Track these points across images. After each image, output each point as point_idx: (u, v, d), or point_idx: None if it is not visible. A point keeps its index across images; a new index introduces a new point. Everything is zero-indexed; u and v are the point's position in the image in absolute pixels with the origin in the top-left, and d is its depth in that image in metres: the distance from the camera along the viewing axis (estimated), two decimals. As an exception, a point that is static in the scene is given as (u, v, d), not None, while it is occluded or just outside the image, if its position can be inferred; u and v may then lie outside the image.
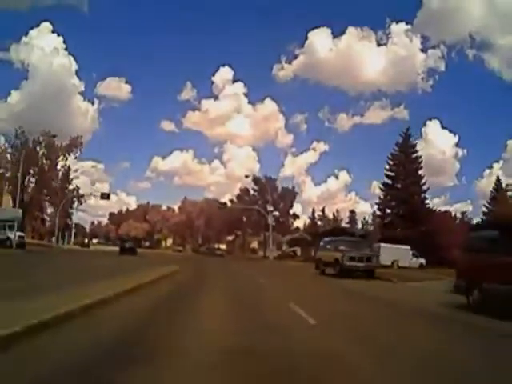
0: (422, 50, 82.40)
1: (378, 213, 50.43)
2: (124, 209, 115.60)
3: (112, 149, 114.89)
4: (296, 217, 68.44)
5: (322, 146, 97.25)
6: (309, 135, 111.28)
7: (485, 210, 53.47)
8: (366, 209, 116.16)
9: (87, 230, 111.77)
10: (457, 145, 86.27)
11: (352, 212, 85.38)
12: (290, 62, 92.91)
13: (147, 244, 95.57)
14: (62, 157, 45.99)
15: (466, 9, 75.16)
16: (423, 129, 77.30)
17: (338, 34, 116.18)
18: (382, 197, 48.18)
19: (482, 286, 8.18)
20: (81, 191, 52.53)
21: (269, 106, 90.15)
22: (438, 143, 76.53)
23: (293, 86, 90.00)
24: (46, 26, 70.14)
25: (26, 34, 74.05)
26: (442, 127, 77.47)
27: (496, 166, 79.33)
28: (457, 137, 78.90)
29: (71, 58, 74.08)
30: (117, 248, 55.37)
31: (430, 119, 78.32)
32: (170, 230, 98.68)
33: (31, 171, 43.71)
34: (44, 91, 71.07)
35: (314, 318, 6.78)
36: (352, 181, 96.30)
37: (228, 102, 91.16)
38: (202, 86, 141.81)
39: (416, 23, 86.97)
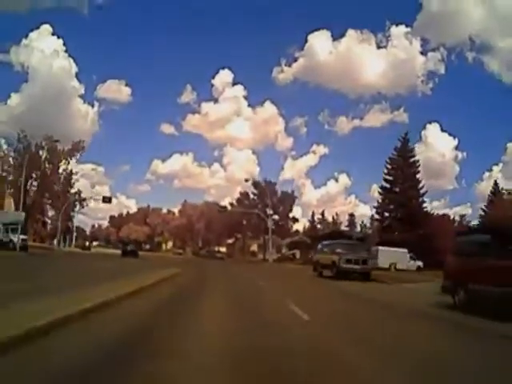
0: (421, 53, 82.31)
1: (377, 216, 50.92)
2: (124, 212, 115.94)
3: (112, 152, 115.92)
4: (295, 220, 68.98)
5: (322, 149, 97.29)
6: (309, 138, 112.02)
7: (483, 213, 53.97)
8: (365, 211, 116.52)
9: (87, 233, 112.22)
10: (456, 148, 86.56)
11: (351, 215, 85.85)
12: (289, 65, 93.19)
13: (147, 247, 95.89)
14: (64, 161, 46.47)
15: (465, 11, 75.45)
16: (423, 132, 77.80)
17: (337, 36, 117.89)
18: (380, 200, 48.75)
19: (468, 287, 8.67)
20: (82, 195, 53.18)
21: (269, 109, 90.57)
22: (437, 146, 76.93)
23: (293, 89, 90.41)
24: (46, 28, 70.24)
25: (26, 36, 74.73)
26: (442, 130, 77.47)
27: (496, 168, 79.15)
28: (456, 140, 79.20)
29: (71, 61, 74.03)
30: (117, 251, 55.97)
31: (430, 122, 77.90)
32: (171, 233, 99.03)
33: (33, 175, 44.13)
34: (44, 94, 71.37)
35: (309, 316, 7.29)
36: (352, 184, 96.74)
37: (228, 104, 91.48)
38: (202, 89, 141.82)
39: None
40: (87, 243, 77.54)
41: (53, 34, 71.04)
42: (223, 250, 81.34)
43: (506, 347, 5.70)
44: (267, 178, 66.47)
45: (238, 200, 68.04)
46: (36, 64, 72.07)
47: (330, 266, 20.07)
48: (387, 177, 47.98)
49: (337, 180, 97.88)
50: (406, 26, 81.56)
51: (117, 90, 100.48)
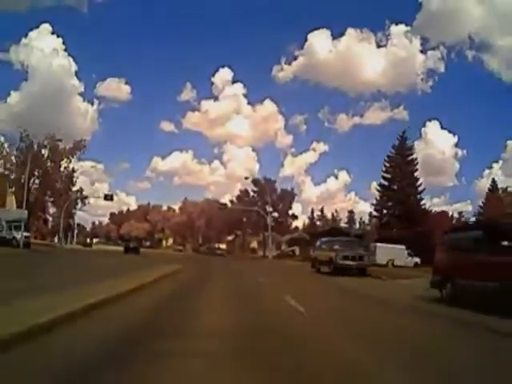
0: (421, 52, 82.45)
1: (375, 213, 51.39)
2: (123, 209, 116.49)
3: (112, 149, 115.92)
4: (295, 217, 69.49)
5: (322, 147, 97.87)
6: (308, 136, 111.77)
7: (481, 210, 54.47)
8: (365, 208, 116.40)
9: (87, 230, 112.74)
10: (456, 145, 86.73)
11: (350, 212, 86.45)
12: (289, 63, 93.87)
13: (148, 244, 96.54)
14: (65, 159, 46.93)
15: (465, 10, 75.88)
16: (423, 129, 78.17)
17: (337, 35, 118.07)
18: (378, 198, 49.21)
19: (455, 281, 9.16)
20: (83, 192, 53.72)
21: (268, 106, 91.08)
22: (437, 143, 77.40)
23: (292, 87, 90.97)
24: (46, 27, 70.64)
25: (26, 35, 74.70)
26: (442, 128, 78.00)
27: (496, 166, 79.69)
28: (456, 137, 79.44)
29: (71, 59, 74.39)
30: (118, 247, 56.61)
31: (430, 120, 78.73)
32: (171, 229, 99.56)
33: (36, 173, 44.57)
34: (44, 92, 71.69)
35: (305, 308, 7.91)
36: (352, 181, 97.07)
37: (228, 102, 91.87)
38: (202, 87, 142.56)
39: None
40: (88, 240, 78.24)
41: (52, 33, 71.67)
42: (223, 246, 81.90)
43: (487, 338, 6.17)
44: (267, 176, 67.11)
45: (238, 197, 68.56)
46: (36, 63, 72.68)
47: (328, 262, 20.59)
48: (385, 174, 48.46)
49: (337, 177, 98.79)
50: (406, 24, 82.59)
51: (116, 88, 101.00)
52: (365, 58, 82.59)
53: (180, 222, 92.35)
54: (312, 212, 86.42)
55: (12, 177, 45.91)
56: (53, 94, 72.73)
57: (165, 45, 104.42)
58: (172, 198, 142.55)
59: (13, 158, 45.26)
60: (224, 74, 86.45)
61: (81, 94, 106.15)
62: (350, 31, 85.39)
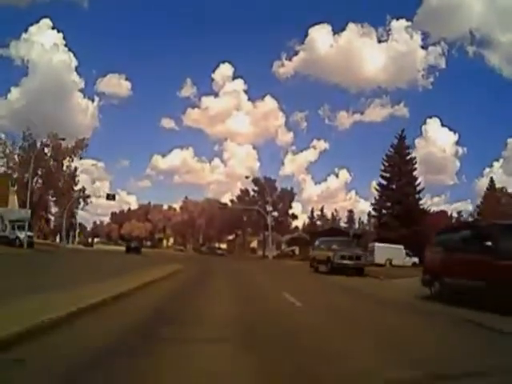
0: (422, 47, 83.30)
1: (374, 213, 51.80)
2: (124, 208, 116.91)
3: (112, 146, 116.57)
4: (295, 217, 69.91)
5: (322, 144, 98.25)
6: (309, 133, 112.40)
7: (478, 210, 54.89)
8: (365, 207, 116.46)
9: (88, 230, 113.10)
10: (457, 143, 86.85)
11: (350, 211, 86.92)
12: (290, 59, 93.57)
13: (149, 243, 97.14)
14: (68, 158, 47.32)
15: (466, 5, 76.27)
16: (423, 127, 78.65)
17: (338, 30, 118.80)
18: (377, 197, 49.60)
19: (442, 280, 9.65)
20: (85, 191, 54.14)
21: (269, 103, 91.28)
22: (438, 141, 77.86)
23: (293, 83, 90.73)
24: (46, 22, 70.78)
25: (26, 30, 76.84)
26: (442, 125, 78.31)
27: (496, 164, 80.00)
28: (457, 135, 79.73)
29: (71, 55, 74.75)
30: (119, 247, 57.10)
31: (430, 117, 78.68)
32: (172, 229, 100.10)
33: (38, 172, 44.91)
34: (44, 88, 71.94)
35: (302, 303, 8.54)
36: (352, 179, 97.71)
37: (228, 99, 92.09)
38: (202, 83, 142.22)
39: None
40: (90, 240, 78.70)
41: (53, 28, 71.81)
42: (224, 246, 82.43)
43: (463, 328, 6.75)
44: (267, 174, 67.67)
45: (239, 197, 69.01)
46: (36, 58, 72.89)
47: (326, 261, 21.08)
48: (384, 174, 48.82)
49: (337, 176, 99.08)
50: (407, 19, 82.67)
51: (117, 84, 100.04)
52: (366, 53, 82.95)
53: (181, 222, 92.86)
54: (312, 211, 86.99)
55: (14, 176, 46.28)
56: (53, 90, 72.99)
57: (165, 40, 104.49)
58: (172, 197, 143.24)
59: (16, 157, 45.62)
60: (224, 70, 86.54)
61: (81, 90, 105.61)
62: (351, 26, 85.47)
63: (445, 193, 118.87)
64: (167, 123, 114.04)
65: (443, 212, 62.67)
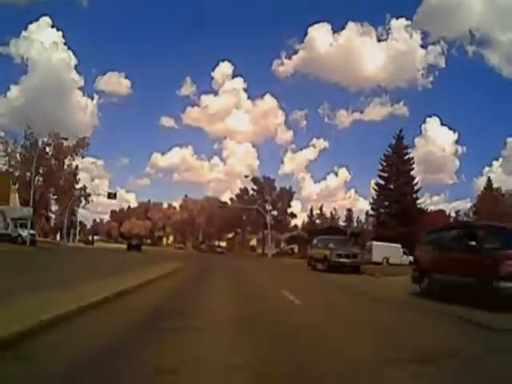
0: (422, 46, 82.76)
1: (372, 212, 52.36)
2: (123, 206, 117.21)
3: (111, 145, 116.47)
4: (294, 216, 70.39)
5: (322, 143, 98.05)
6: (308, 132, 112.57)
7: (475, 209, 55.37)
8: (365, 206, 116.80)
9: (88, 227, 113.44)
10: (456, 142, 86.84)
11: (349, 210, 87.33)
12: (289, 58, 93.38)
13: (149, 241, 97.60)
14: (69, 157, 47.76)
15: (466, 5, 76.29)
16: (423, 125, 79.03)
17: (338, 29, 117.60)
18: (375, 196, 50.16)
19: (431, 277, 10.13)
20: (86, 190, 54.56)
21: (268, 101, 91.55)
22: (437, 140, 78.09)
23: (293, 82, 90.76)
24: (46, 20, 70.84)
25: (26, 28, 75.55)
26: (442, 124, 78.27)
27: (496, 163, 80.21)
28: (456, 134, 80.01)
29: (70, 53, 74.63)
30: (119, 245, 57.62)
31: (430, 116, 78.84)
32: (172, 227, 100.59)
33: (40, 171, 45.30)
34: (43, 86, 72.05)
35: (300, 300, 8.94)
36: (352, 178, 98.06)
37: (228, 97, 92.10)
38: (202, 82, 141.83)
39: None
40: (90, 238, 79.12)
41: (52, 26, 72.02)
42: (223, 244, 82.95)
43: (444, 320, 7.33)
44: (266, 173, 68.16)
45: (238, 196, 69.50)
46: (35, 56, 72.90)
47: (323, 260, 21.57)
48: (382, 173, 49.39)
49: (336, 174, 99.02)
50: (407, 18, 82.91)
51: (116, 83, 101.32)
52: (365, 52, 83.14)
53: (180, 220, 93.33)
54: (311, 210, 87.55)
55: (16, 174, 46.68)
56: (52, 88, 73.16)
57: (165, 39, 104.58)
58: (172, 195, 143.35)
59: (17, 155, 46.00)
60: (224, 68, 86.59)
61: (80, 89, 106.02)
62: (351, 25, 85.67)
63: (444, 192, 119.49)
64: (167, 121, 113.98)
65: (441, 211, 63.26)
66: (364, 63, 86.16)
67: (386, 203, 48.59)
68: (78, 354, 3.95)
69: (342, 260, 20.55)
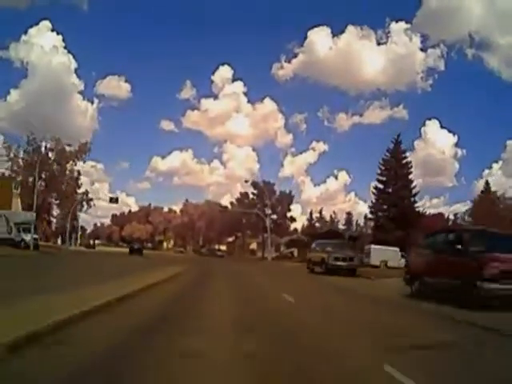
0: (421, 50, 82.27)
1: (370, 216, 52.81)
2: (124, 210, 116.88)
3: (111, 148, 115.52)
4: (293, 219, 70.77)
5: (322, 146, 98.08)
6: (308, 135, 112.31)
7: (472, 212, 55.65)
8: (364, 209, 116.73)
9: (89, 232, 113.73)
10: (456, 145, 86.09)
11: (348, 214, 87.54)
12: (289, 61, 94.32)
13: (149, 245, 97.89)
14: (71, 162, 48.23)
15: (465, 8, 75.94)
16: (422, 128, 78.77)
17: (337, 32, 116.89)
18: (374, 200, 50.58)
19: (422, 279, 10.62)
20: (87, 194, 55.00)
21: (268, 105, 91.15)
22: (437, 143, 77.75)
23: (292, 86, 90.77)
24: (46, 24, 70.63)
25: (26, 32, 74.60)
26: (441, 127, 77.62)
27: (495, 166, 79.96)
28: (456, 137, 79.15)
29: (70, 57, 74.56)
30: (120, 249, 58.12)
31: (430, 119, 78.71)
32: (172, 231, 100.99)
33: (42, 175, 45.75)
34: (43, 90, 72.03)
35: (300, 303, 9.42)
36: (351, 181, 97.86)
37: (227, 101, 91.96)
38: (202, 85, 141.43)
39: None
40: (92, 242, 79.49)
41: (52, 30, 71.68)
42: (223, 248, 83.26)
43: (428, 318, 7.81)
44: (266, 177, 68.73)
45: (238, 200, 69.93)
46: (35, 60, 73.05)
47: (320, 263, 22.10)
48: (380, 177, 49.80)
49: (336, 177, 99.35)
50: (406, 22, 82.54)
51: (116, 87, 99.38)
52: (365, 55, 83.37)
53: (181, 224, 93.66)
54: (311, 213, 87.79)
55: (18, 179, 47.16)
56: (52, 92, 73.12)
57: (165, 42, 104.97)
58: (172, 199, 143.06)
59: (20, 160, 46.47)
60: (224, 72, 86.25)
61: (80, 93, 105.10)
62: (350, 28, 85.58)
63: (444, 194, 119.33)
64: (167, 125, 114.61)
65: (440, 214, 63.46)
66: (364, 67, 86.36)
67: (385, 207, 49.01)
68: (83, 358, 3.96)
69: (339, 263, 21.06)
